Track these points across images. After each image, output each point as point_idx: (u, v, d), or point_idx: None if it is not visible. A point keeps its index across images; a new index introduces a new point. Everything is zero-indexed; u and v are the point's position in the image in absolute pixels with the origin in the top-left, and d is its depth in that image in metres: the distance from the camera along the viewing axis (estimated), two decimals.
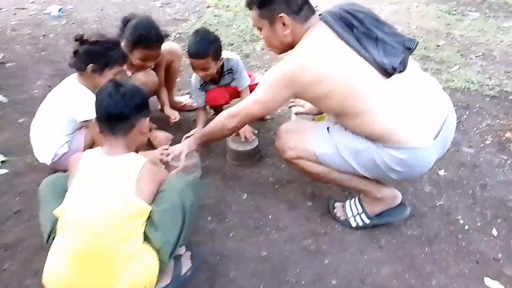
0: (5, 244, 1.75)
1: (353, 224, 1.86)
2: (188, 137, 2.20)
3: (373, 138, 1.59)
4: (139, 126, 1.47)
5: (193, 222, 1.54)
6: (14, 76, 3.14)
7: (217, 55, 2.20)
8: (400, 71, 1.55)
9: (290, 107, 2.55)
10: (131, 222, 1.32)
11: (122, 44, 2.10)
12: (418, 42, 1.63)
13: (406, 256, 1.76)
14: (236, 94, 2.49)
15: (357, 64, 1.53)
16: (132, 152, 1.45)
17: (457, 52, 3.78)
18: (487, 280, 1.66)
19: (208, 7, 4.57)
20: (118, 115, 1.41)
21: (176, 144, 1.98)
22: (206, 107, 2.53)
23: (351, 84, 1.52)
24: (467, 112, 2.85)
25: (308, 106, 2.30)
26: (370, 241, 1.82)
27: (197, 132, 1.98)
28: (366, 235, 1.85)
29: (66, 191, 1.39)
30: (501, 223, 1.95)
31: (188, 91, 2.98)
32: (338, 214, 1.92)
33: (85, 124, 1.96)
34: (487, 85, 3.22)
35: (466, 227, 1.92)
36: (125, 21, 2.24)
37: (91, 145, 1.99)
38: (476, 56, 3.73)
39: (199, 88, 2.42)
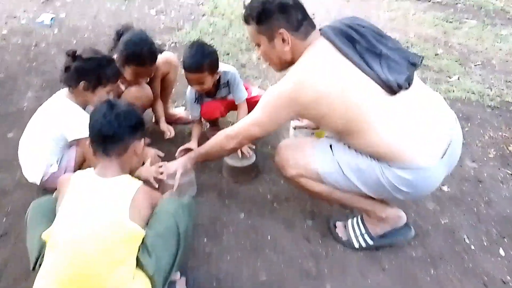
0: None
1: (356, 245, 1.79)
2: (182, 150, 2.13)
3: (378, 157, 1.52)
4: (133, 147, 1.44)
5: (188, 247, 1.47)
6: (3, 87, 3.03)
7: (213, 69, 2.11)
8: (406, 88, 1.48)
9: None
10: (124, 246, 1.27)
11: (115, 57, 2.02)
12: (423, 57, 1.57)
13: (410, 279, 1.70)
14: (232, 106, 2.42)
15: (360, 81, 1.46)
16: (127, 174, 1.40)
17: (456, 61, 3.72)
18: None
19: (203, 15, 4.50)
20: (112, 136, 1.38)
21: (171, 156, 1.91)
22: (202, 120, 2.45)
23: (354, 101, 1.45)
24: (469, 124, 2.80)
25: (306, 119, 2.23)
26: (372, 263, 1.75)
27: (193, 151, 1.91)
28: (368, 257, 1.78)
29: (55, 215, 1.33)
30: (508, 242, 1.89)
31: (183, 102, 2.90)
32: (339, 234, 1.85)
33: (75, 143, 1.88)
34: (487, 95, 3.17)
35: (472, 246, 1.86)
36: (119, 34, 2.16)
37: (81, 163, 1.92)
38: (475, 65, 3.68)
39: (194, 101, 2.34)
